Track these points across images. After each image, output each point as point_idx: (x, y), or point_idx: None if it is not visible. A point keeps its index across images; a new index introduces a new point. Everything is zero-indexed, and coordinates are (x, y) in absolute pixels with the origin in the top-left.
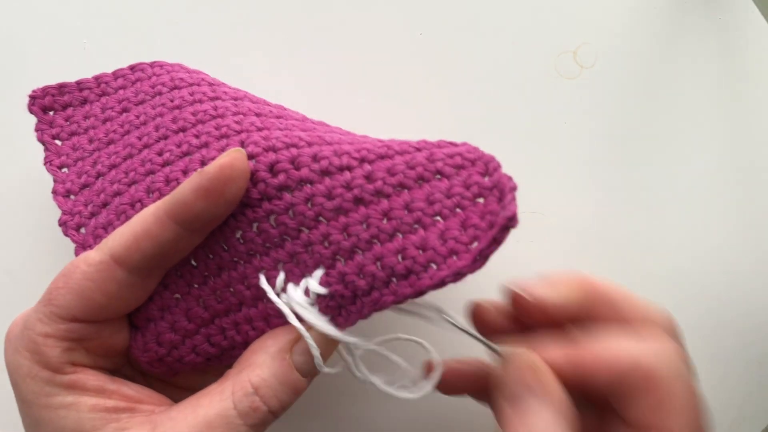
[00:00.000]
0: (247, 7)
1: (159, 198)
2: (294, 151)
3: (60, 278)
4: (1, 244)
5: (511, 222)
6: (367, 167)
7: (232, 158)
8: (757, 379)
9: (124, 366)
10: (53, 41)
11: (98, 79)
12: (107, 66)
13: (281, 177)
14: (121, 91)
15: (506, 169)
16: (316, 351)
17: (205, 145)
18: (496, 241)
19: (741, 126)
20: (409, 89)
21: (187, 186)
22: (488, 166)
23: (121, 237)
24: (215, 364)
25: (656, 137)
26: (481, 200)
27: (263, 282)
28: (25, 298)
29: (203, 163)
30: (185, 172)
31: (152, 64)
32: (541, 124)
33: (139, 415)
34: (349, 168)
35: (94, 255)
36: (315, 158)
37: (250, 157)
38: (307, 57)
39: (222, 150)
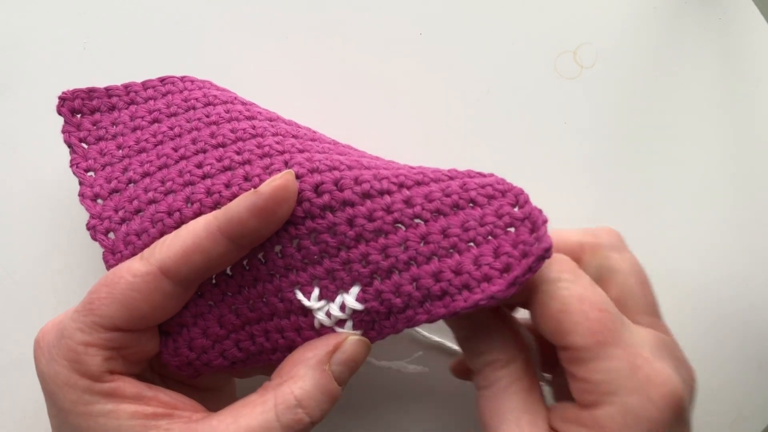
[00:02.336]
0: (247, 7)
1: (199, 209)
2: (336, 173)
3: (102, 288)
4: (1, 245)
5: (547, 253)
6: (406, 192)
7: (285, 180)
8: (756, 380)
9: (146, 370)
10: (53, 41)
11: (127, 88)
12: (107, 66)
13: (325, 197)
14: (151, 102)
15: (506, 168)
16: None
17: (248, 162)
18: (531, 270)
19: (741, 125)
20: (409, 89)
21: (242, 204)
22: (518, 198)
23: (169, 249)
24: (239, 368)
25: (656, 137)
26: (512, 229)
27: (301, 296)
28: (24, 298)
29: (247, 179)
30: (228, 186)
31: (182, 78)
32: (541, 124)
33: (178, 421)
34: (389, 192)
35: (140, 266)
36: (357, 181)
37: (296, 177)
38: (307, 56)
39: (266, 168)
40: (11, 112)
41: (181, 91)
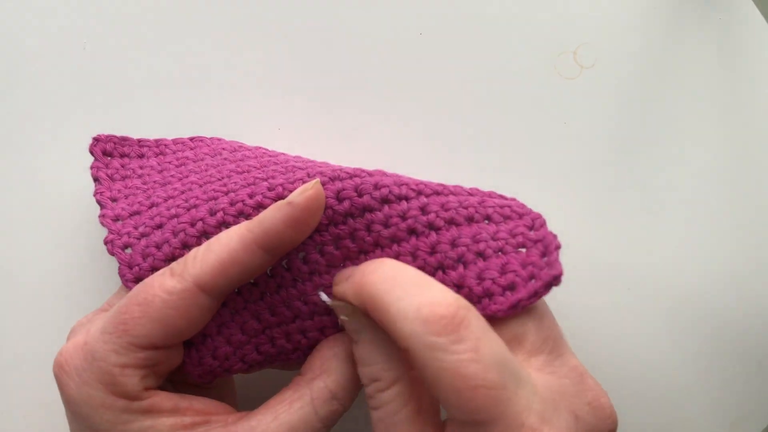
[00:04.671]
0: (247, 7)
1: (222, 217)
2: (357, 180)
3: (134, 307)
4: (1, 246)
5: (556, 281)
6: (423, 199)
7: (316, 190)
8: (756, 379)
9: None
10: (53, 41)
11: (158, 141)
12: (107, 66)
13: (346, 204)
14: (179, 153)
15: (506, 168)
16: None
17: (272, 177)
18: (537, 295)
19: (741, 126)
20: (409, 89)
21: (278, 216)
22: (535, 222)
23: (204, 264)
24: (256, 370)
25: (656, 137)
26: (523, 250)
27: (325, 297)
28: (24, 298)
29: (270, 189)
30: (251, 196)
31: (212, 138)
32: (541, 124)
33: (215, 426)
34: (407, 198)
35: (175, 283)
36: (376, 186)
37: None
38: (307, 57)
39: (288, 178)
40: (11, 112)
41: (209, 145)
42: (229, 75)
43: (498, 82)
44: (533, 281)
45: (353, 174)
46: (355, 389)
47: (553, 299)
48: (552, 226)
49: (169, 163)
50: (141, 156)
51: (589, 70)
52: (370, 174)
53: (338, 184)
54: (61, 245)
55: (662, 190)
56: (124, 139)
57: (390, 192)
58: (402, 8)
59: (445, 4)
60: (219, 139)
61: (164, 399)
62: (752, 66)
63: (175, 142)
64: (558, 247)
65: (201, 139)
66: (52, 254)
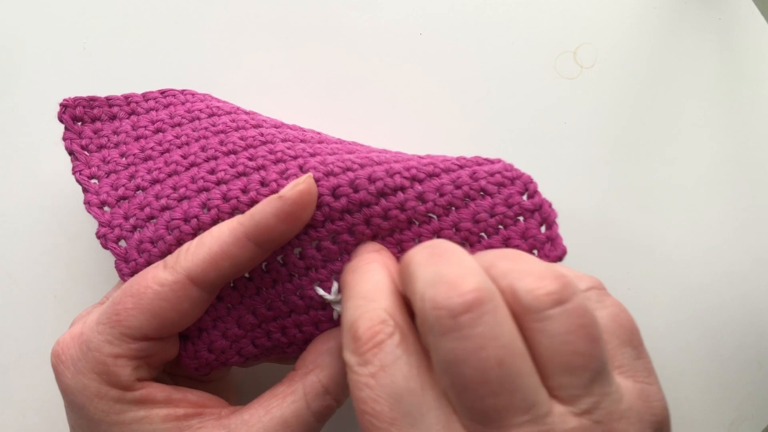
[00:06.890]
0: (247, 8)
1: (217, 214)
2: (351, 174)
3: (127, 299)
4: (1, 245)
5: (560, 259)
6: (419, 187)
7: (308, 184)
8: (757, 379)
9: (161, 371)
10: (53, 41)
11: (128, 98)
12: (107, 66)
13: (343, 201)
14: (153, 113)
15: None
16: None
17: (263, 167)
18: None
19: (741, 125)
20: (409, 89)
21: (268, 209)
22: (528, 186)
23: (195, 257)
24: (252, 363)
25: (656, 137)
26: (521, 219)
27: (322, 291)
28: (24, 298)
29: (263, 184)
30: (245, 191)
31: (183, 91)
32: (541, 124)
33: (208, 418)
34: (402, 188)
35: (166, 275)
36: (370, 179)
37: None
38: (307, 57)
39: (281, 173)
40: (11, 112)
41: (183, 103)
42: (229, 75)
43: (498, 82)
44: (537, 254)
45: (346, 167)
46: (347, 385)
47: None
48: None
49: (145, 128)
50: (113, 117)
51: (589, 70)
52: (361, 165)
53: (333, 180)
54: (62, 245)
55: (662, 190)
56: (92, 100)
57: (385, 185)
58: (402, 8)
59: (445, 4)
60: (192, 94)
61: (157, 390)
62: (752, 66)
63: (145, 97)
64: (556, 216)
65: (173, 94)
66: (52, 253)
